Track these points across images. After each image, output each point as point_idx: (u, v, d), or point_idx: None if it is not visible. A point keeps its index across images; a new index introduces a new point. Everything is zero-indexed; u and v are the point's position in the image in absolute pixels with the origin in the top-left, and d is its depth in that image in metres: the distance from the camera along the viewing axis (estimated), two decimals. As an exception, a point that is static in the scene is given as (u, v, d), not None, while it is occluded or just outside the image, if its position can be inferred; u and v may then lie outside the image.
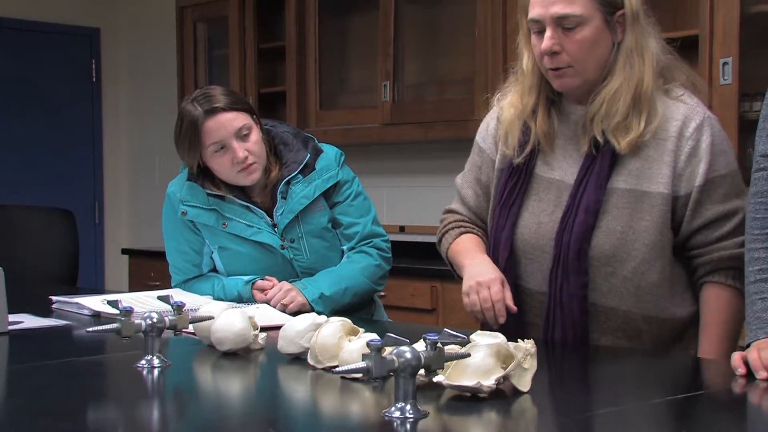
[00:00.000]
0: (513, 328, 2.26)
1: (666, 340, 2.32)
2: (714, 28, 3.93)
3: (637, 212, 2.26)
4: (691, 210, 2.27)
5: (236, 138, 2.85)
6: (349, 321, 2.01)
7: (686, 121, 2.28)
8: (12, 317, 2.58)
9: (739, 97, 3.87)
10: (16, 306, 2.64)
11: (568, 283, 2.28)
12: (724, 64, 3.91)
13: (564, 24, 2.23)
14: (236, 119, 2.87)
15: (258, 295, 2.89)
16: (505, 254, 2.37)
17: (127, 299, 2.72)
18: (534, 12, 2.26)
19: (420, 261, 4.77)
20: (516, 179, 2.39)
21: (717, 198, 2.26)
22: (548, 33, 2.24)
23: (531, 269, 2.36)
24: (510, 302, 2.29)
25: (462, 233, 2.52)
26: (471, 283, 2.32)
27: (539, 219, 2.35)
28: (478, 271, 2.35)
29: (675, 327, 2.33)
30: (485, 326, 2.34)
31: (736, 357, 1.93)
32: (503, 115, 2.44)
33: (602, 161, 2.29)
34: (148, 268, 6.12)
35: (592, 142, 2.30)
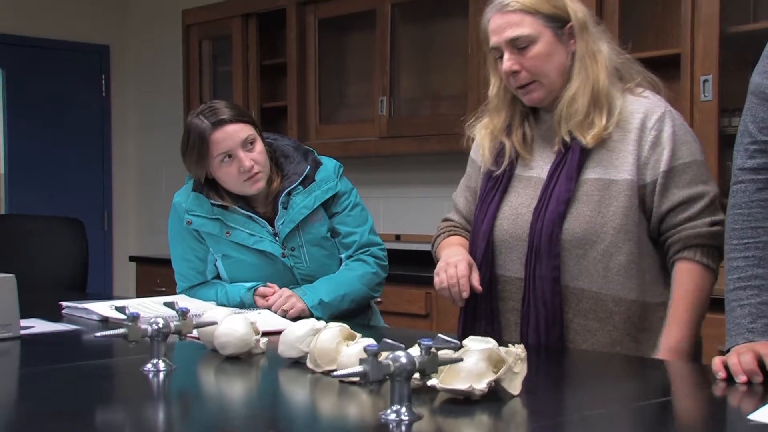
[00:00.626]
0: (491, 314, 2.41)
1: (636, 323, 2.33)
2: (695, 48, 3.95)
3: (605, 199, 2.32)
4: (658, 195, 2.33)
5: (242, 148, 2.86)
6: (347, 326, 2.01)
7: (648, 114, 2.36)
8: (24, 322, 2.57)
9: (719, 112, 3.89)
10: (27, 311, 2.64)
11: (541, 266, 2.33)
12: (705, 81, 3.93)
13: (518, 45, 2.35)
14: (242, 130, 2.88)
15: (260, 301, 2.89)
16: (483, 245, 2.44)
17: (134, 305, 2.72)
18: (492, 41, 2.39)
19: (415, 268, 4.77)
20: (497, 180, 2.48)
21: (682, 183, 2.32)
22: (506, 56, 2.36)
23: (509, 258, 2.41)
24: (476, 282, 2.35)
25: (450, 235, 2.61)
26: (441, 264, 2.42)
27: (518, 211, 2.42)
28: (448, 255, 2.44)
29: (645, 312, 2.34)
30: (468, 325, 2.45)
31: (717, 361, 1.94)
32: (477, 137, 2.57)
33: (572, 156, 2.36)
34: (155, 275, 6.12)
35: (561, 141, 2.38)
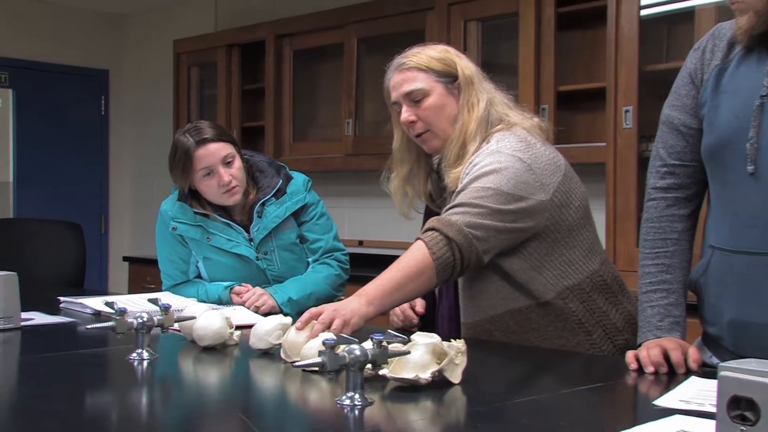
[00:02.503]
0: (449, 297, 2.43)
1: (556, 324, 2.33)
2: (618, 82, 3.99)
3: None
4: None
5: (222, 164, 2.86)
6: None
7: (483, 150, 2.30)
8: (24, 314, 2.56)
9: (638, 138, 3.92)
10: (28, 305, 2.63)
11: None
12: (626, 111, 3.96)
13: (413, 98, 2.35)
14: (223, 149, 2.88)
15: (235, 298, 2.89)
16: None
17: (123, 301, 2.71)
18: (392, 96, 2.41)
19: (375, 270, 4.64)
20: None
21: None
22: (404, 108, 2.37)
23: None
24: (418, 308, 2.48)
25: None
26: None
27: None
28: None
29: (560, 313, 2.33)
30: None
31: (630, 355, 1.96)
32: (393, 192, 2.52)
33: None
34: (145, 273, 6.09)
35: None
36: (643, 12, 3.97)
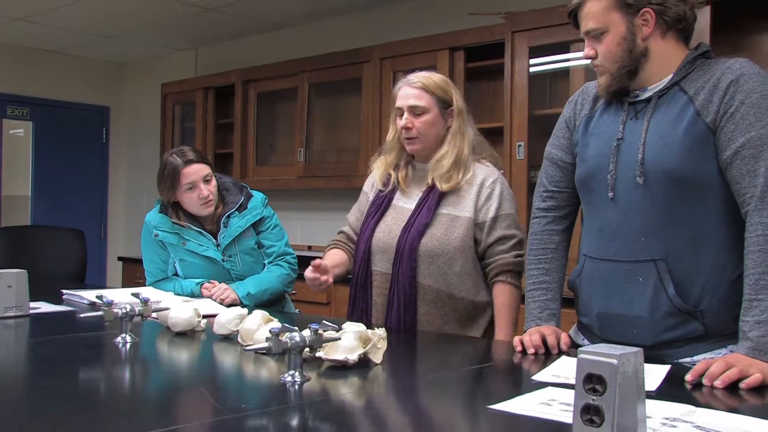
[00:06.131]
0: (366, 299, 2.40)
1: (463, 315, 2.35)
2: (513, 122, 4.03)
3: (451, 227, 2.33)
4: (486, 232, 2.35)
5: (202, 181, 2.84)
6: (266, 313, 2.00)
7: (487, 177, 2.39)
8: (33, 304, 2.53)
9: (528, 167, 3.96)
10: (36, 296, 2.61)
11: (403, 267, 2.33)
12: (519, 145, 4.00)
13: (415, 111, 2.39)
14: (203, 169, 2.85)
15: (205, 292, 2.84)
16: (363, 247, 2.43)
17: (111, 294, 2.65)
18: (398, 103, 2.42)
19: None
20: (379, 204, 2.48)
21: (502, 227, 2.34)
22: (405, 116, 2.40)
23: (381, 259, 2.40)
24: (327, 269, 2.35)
25: (333, 248, 2.59)
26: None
27: (390, 227, 2.41)
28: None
29: (470, 307, 2.35)
30: (352, 307, 2.46)
31: (516, 339, 1.97)
32: (376, 164, 2.55)
33: (433, 196, 2.37)
34: (136, 271, 5.98)
35: (427, 185, 2.40)
36: (532, 69, 4.02)
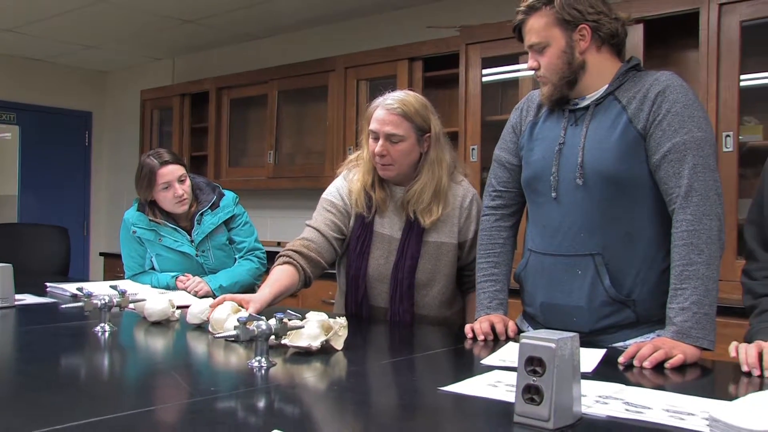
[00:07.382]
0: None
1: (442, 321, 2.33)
2: (467, 128, 4.05)
3: (439, 256, 2.25)
4: (467, 250, 2.29)
5: (177, 181, 2.82)
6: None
7: (464, 197, 2.29)
8: (18, 296, 2.52)
9: (481, 169, 3.98)
10: (22, 289, 2.59)
11: (403, 304, 2.25)
12: (473, 149, 4.02)
13: (391, 139, 2.19)
14: (178, 170, 2.83)
15: (179, 284, 2.83)
16: (362, 283, 2.28)
17: (91, 286, 2.62)
18: (373, 126, 2.21)
19: None
20: (363, 234, 2.28)
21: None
22: (380, 142, 2.19)
23: (376, 293, 2.30)
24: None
25: (284, 263, 2.21)
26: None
27: (378, 262, 2.27)
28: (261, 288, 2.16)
29: (448, 318, 2.34)
30: None
31: (467, 327, 1.98)
32: (353, 186, 2.30)
33: (417, 227, 2.25)
34: (116, 265, 5.90)
35: (407, 217, 2.26)
36: (484, 78, 4.05)
